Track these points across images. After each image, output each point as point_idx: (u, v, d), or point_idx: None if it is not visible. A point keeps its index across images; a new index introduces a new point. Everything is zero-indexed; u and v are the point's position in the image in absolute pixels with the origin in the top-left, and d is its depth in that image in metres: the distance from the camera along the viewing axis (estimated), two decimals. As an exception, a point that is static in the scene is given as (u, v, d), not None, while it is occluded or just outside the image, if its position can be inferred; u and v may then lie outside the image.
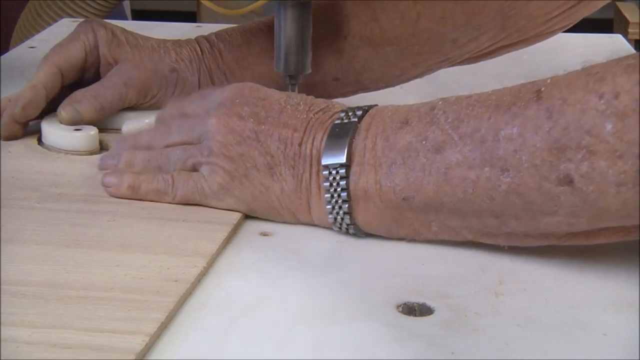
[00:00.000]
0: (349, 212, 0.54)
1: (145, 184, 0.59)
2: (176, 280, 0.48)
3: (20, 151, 0.68)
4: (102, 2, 1.55)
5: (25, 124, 0.70)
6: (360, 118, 0.55)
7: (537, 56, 0.85)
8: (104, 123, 0.70)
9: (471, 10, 0.73)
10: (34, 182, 0.61)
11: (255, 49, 0.74)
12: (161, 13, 2.48)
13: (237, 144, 0.57)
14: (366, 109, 0.56)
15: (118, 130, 0.70)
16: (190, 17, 2.42)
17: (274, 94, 0.59)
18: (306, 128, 0.56)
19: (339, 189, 0.54)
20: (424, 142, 0.52)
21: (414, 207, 0.52)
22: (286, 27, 0.68)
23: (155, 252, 0.51)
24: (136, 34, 0.75)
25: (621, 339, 0.45)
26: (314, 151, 0.55)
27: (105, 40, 0.72)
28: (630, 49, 0.99)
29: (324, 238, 0.56)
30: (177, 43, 0.74)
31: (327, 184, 0.54)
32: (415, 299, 0.48)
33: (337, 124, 0.55)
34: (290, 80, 0.70)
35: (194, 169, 0.59)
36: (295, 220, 0.57)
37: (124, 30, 0.74)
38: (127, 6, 2.18)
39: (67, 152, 0.68)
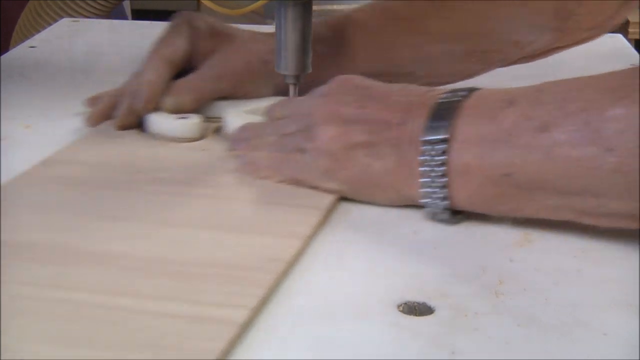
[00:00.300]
0: (445, 187, 0.55)
1: (261, 160, 0.62)
2: (274, 259, 0.51)
3: (124, 138, 0.71)
4: (102, 2, 1.55)
5: (140, 116, 0.72)
6: (464, 97, 0.56)
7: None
8: (201, 111, 0.73)
9: (533, 11, 0.75)
10: (137, 166, 0.65)
11: (340, 42, 0.76)
12: (161, 13, 2.48)
13: (338, 128, 0.58)
14: (470, 90, 0.57)
15: (214, 118, 0.73)
16: (190, 16, 2.41)
17: (377, 83, 0.61)
18: (408, 109, 0.57)
19: (435, 164, 0.55)
20: (529, 122, 0.52)
21: (516, 184, 0.53)
22: (287, 27, 0.68)
23: (253, 233, 0.55)
24: (230, 26, 0.77)
25: (622, 339, 0.45)
26: (416, 129, 0.56)
27: (202, 32, 0.75)
28: (630, 49, 0.99)
29: (324, 237, 0.56)
30: (268, 35, 0.76)
31: (425, 157, 0.55)
32: (415, 298, 0.48)
33: (441, 102, 0.56)
34: (291, 80, 0.70)
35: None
36: (398, 199, 0.58)
37: (218, 22, 0.76)
38: (127, 6, 2.18)
39: (171, 138, 0.70)
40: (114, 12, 1.66)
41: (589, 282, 0.50)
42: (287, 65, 0.69)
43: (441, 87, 0.60)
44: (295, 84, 0.70)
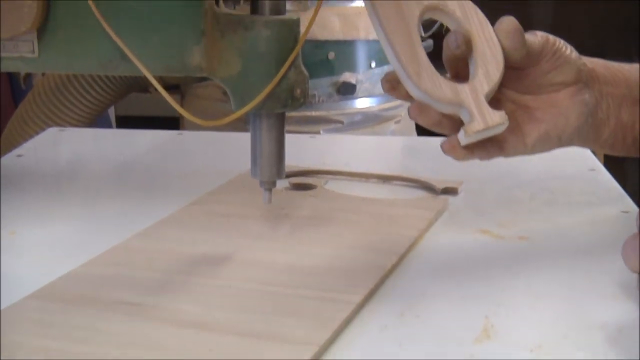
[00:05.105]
0: None
1: None
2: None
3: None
4: (87, 110, 1.60)
5: None
6: None
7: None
8: None
9: None
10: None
11: None
12: (145, 119, 2.53)
13: None
14: None
15: None
16: (173, 122, 2.47)
17: None
18: None
19: None
20: None
21: None
22: (262, 136, 0.72)
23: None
24: None
25: None
26: None
27: None
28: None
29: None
30: None
31: None
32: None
33: None
34: (266, 185, 0.74)
35: None
36: None
37: None
38: (111, 113, 2.24)
39: None
40: (99, 119, 1.71)
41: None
42: (262, 172, 0.73)
43: None
44: (270, 190, 0.74)
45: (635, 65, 0.78)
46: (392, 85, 0.70)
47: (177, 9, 0.69)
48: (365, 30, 1.59)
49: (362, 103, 1.62)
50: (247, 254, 0.71)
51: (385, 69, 1.56)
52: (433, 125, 0.69)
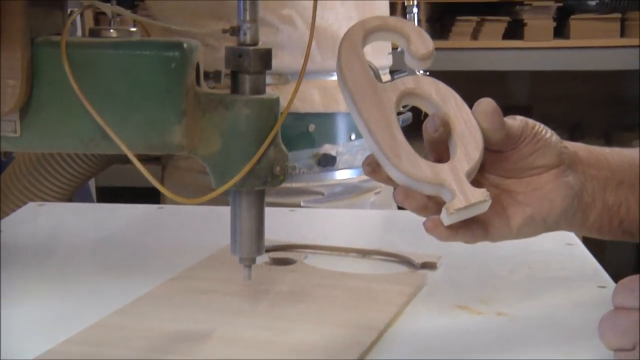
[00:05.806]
0: None
1: None
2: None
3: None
4: (68, 183, 1.60)
5: None
6: None
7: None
8: None
9: None
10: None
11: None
12: (125, 189, 2.53)
13: None
14: None
15: None
16: (154, 193, 2.46)
17: None
18: None
19: None
20: None
21: None
22: (242, 213, 0.73)
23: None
24: None
25: None
26: None
27: None
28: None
29: None
30: None
31: None
32: None
33: None
34: (246, 262, 0.74)
35: None
36: None
37: None
38: (92, 184, 2.24)
39: None
40: (79, 192, 1.71)
41: None
42: (242, 249, 0.73)
43: None
44: (249, 266, 0.74)
45: (615, 149, 0.79)
46: (373, 169, 0.70)
47: (159, 89, 0.70)
48: (345, 103, 1.61)
49: (342, 175, 1.63)
50: (227, 331, 0.71)
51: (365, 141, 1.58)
52: (419, 209, 0.69)
